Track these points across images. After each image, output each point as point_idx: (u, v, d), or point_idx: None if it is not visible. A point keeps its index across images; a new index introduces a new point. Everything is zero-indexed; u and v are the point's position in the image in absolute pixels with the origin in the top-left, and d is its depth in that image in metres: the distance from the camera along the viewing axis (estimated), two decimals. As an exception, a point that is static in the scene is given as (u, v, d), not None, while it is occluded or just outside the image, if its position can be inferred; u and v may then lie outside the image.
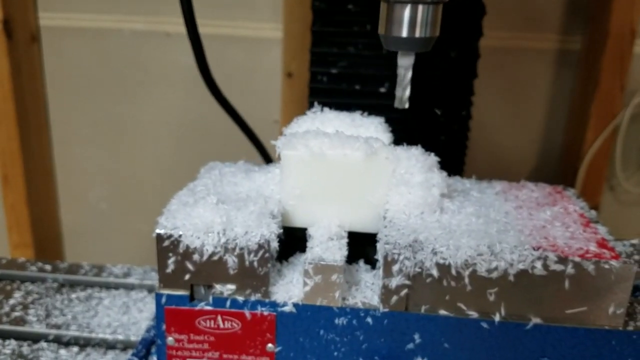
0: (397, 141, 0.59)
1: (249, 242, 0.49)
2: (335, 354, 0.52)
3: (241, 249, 0.49)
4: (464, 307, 0.49)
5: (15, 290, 0.74)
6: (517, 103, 1.06)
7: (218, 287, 0.51)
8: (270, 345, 0.51)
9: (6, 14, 0.99)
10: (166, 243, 0.49)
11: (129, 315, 0.70)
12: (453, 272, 0.48)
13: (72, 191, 1.19)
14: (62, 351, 0.62)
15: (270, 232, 0.49)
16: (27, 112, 1.10)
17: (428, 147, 0.56)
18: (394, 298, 0.50)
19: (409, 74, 0.57)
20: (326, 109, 0.61)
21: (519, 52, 1.02)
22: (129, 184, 1.16)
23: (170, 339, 0.52)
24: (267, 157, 0.82)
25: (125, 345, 0.64)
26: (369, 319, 0.50)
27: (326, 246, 0.51)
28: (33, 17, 1.08)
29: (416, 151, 0.55)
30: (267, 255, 0.49)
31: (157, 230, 0.49)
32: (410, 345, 0.51)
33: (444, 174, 0.56)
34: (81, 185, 1.18)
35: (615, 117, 0.98)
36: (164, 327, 0.51)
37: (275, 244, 0.50)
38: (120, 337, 0.64)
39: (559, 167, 1.09)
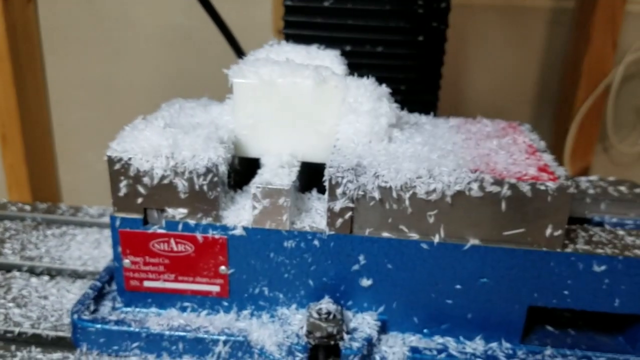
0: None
1: (197, 165, 0.50)
2: (286, 275, 0.54)
3: (190, 172, 0.51)
4: (405, 229, 0.51)
5: (-7, 228, 0.76)
6: (511, 62, 1.06)
7: (170, 211, 0.52)
8: (223, 267, 0.53)
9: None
10: (117, 166, 0.51)
11: (100, 249, 0.72)
12: (394, 194, 0.50)
13: (70, 152, 1.21)
14: (34, 279, 0.64)
15: (217, 155, 0.51)
16: (24, 72, 1.11)
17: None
18: (339, 221, 0.51)
19: None
20: (283, 42, 0.62)
21: (513, 10, 1.02)
22: None
23: (126, 262, 0.54)
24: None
25: (94, 276, 0.66)
26: (316, 242, 0.52)
27: (275, 172, 0.53)
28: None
29: (366, 81, 0.56)
30: (215, 179, 0.51)
31: (108, 153, 0.50)
32: (356, 267, 0.53)
33: (394, 105, 0.57)
34: (78, 146, 1.20)
35: (607, 76, 0.98)
36: (119, 249, 0.53)
37: (223, 168, 0.51)
38: (90, 268, 0.66)
39: (552, 127, 1.09)
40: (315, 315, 0.51)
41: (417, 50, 0.74)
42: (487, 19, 1.02)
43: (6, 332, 0.56)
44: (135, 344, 0.53)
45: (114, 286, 0.58)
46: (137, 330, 0.52)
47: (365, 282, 0.53)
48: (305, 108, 0.55)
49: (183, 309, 0.55)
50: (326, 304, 0.52)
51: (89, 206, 0.82)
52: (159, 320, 0.54)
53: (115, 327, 0.53)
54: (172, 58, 1.12)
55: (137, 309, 0.56)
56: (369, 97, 0.55)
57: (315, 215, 0.54)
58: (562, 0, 1.02)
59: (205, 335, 0.52)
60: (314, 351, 0.51)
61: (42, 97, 1.17)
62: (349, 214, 0.51)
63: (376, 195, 0.50)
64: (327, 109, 0.55)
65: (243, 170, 0.58)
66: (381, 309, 0.54)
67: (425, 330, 0.54)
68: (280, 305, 0.55)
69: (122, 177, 0.51)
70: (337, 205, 0.51)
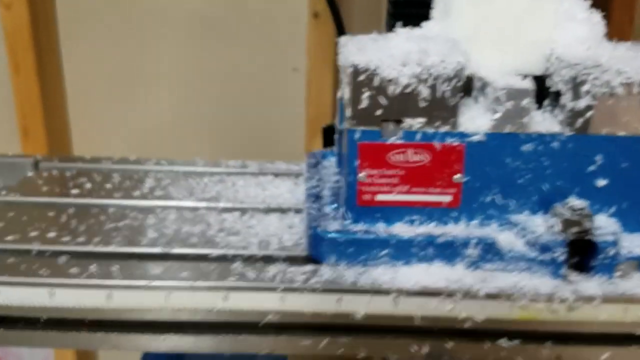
0: None
1: (445, 70, 0.50)
2: (520, 181, 0.54)
3: (435, 78, 0.51)
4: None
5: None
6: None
7: (408, 121, 0.52)
8: (457, 175, 0.54)
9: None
10: (362, 77, 0.51)
11: (269, 191, 0.71)
12: (635, 89, 0.51)
13: (89, 146, 1.19)
14: (225, 214, 0.64)
15: (465, 59, 0.51)
16: (44, 63, 1.09)
17: None
18: (579, 121, 0.52)
19: None
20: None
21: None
22: (145, 137, 1.16)
23: (361, 175, 0.54)
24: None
25: (283, 212, 0.65)
26: (555, 144, 0.53)
27: (509, 77, 0.53)
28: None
29: (579, -12, 0.57)
30: (459, 84, 0.51)
31: (354, 63, 0.50)
32: (592, 167, 0.53)
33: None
34: (98, 139, 1.17)
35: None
36: (356, 163, 0.53)
37: (467, 73, 0.51)
38: (273, 205, 0.66)
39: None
40: (566, 212, 0.52)
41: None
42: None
43: (234, 256, 0.55)
44: (384, 252, 0.53)
45: (324, 209, 0.58)
46: (386, 237, 0.53)
47: (601, 183, 0.54)
48: (521, 18, 0.55)
49: (411, 222, 0.56)
50: (573, 202, 0.53)
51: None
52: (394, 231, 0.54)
53: (364, 236, 0.53)
54: (196, 47, 1.11)
55: (366, 225, 0.55)
56: (582, 6, 0.55)
57: (543, 121, 0.54)
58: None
59: (455, 239, 0.52)
60: (572, 246, 0.51)
61: (61, 89, 1.15)
62: (590, 112, 0.52)
63: (619, 91, 0.51)
64: (542, 18, 0.55)
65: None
66: (613, 209, 0.55)
67: (654, 229, 0.55)
68: (510, 213, 0.55)
69: (365, 89, 0.51)
70: (580, 104, 0.51)
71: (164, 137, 1.17)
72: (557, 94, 0.54)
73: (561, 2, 0.55)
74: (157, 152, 1.13)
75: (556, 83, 0.54)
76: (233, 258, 0.55)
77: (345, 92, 0.54)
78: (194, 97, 1.16)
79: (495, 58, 0.56)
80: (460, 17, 0.55)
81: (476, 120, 0.53)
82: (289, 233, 0.59)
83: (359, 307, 0.52)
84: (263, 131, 1.21)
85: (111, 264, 0.52)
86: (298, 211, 0.64)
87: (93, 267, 0.51)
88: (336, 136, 0.66)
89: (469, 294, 0.51)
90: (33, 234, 0.56)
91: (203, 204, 0.64)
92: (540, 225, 0.54)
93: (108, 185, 0.67)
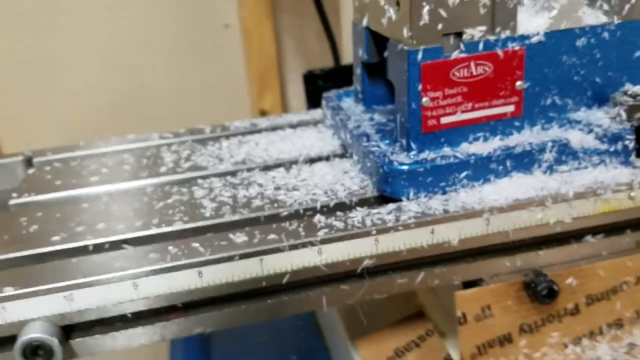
0: None
1: (503, -29, 0.48)
2: (575, 78, 0.54)
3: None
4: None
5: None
6: None
7: (469, 32, 0.50)
8: (519, 82, 0.52)
9: None
10: (423, -7, 0.48)
11: (295, 146, 0.65)
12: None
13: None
14: (271, 173, 0.59)
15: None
16: None
17: None
18: (627, 7, 0.52)
19: None
20: None
21: None
22: (82, 123, 1.07)
23: (425, 99, 0.51)
24: None
25: (324, 158, 0.61)
26: (605, 34, 0.53)
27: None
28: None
29: None
30: (515, -15, 0.49)
31: (413, -21, 0.47)
32: (638, 53, 0.54)
33: None
34: (27, 134, 1.07)
35: None
36: (419, 87, 0.50)
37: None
38: (312, 154, 0.61)
39: None
40: (627, 99, 0.52)
41: None
42: None
43: (305, 210, 0.51)
44: (463, 174, 0.51)
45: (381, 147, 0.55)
46: (464, 159, 0.51)
47: (648, 66, 0.54)
48: None
49: (476, 140, 0.54)
50: (631, 89, 0.53)
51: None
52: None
53: (442, 162, 0.50)
54: (117, 18, 1.03)
55: (433, 152, 0.53)
56: None
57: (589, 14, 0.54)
58: None
59: (532, 147, 0.51)
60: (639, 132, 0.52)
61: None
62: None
63: (663, -28, 0.51)
64: None
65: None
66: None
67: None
68: (569, 112, 0.55)
69: (424, 3, 0.48)
70: (627, -10, 0.51)
71: (102, 119, 1.08)
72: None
73: None
74: (99, 135, 1.05)
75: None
76: (311, 212, 0.50)
77: (391, 15, 0.50)
78: (125, 71, 1.07)
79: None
80: None
81: (533, 21, 0.52)
82: (348, 177, 0.56)
83: (453, 234, 0.49)
84: (206, 94, 1.14)
85: (189, 241, 0.46)
86: (341, 156, 0.60)
87: (172, 248, 0.45)
88: (358, 73, 0.63)
89: (557, 199, 0.50)
90: (79, 229, 0.48)
91: (243, 167, 0.58)
92: (603, 117, 0.53)
93: (126, 167, 0.59)
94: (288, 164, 0.59)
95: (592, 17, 0.53)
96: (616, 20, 0.52)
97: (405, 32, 0.49)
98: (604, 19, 0.53)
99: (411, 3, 0.48)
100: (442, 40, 0.50)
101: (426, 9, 0.48)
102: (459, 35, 0.50)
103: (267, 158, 0.61)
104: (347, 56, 0.94)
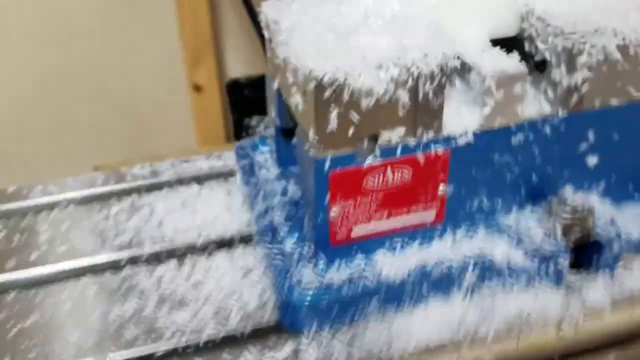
0: None
1: (428, 66, 0.39)
2: (508, 176, 0.46)
3: (416, 78, 0.39)
4: (634, 91, 0.45)
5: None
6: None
7: (386, 135, 0.41)
8: (442, 187, 0.44)
9: None
10: (327, 93, 0.38)
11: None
12: (631, 52, 0.43)
13: None
14: (159, 268, 0.48)
15: (449, 50, 0.39)
16: None
17: None
18: (574, 97, 0.44)
19: None
20: None
21: None
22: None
23: (334, 211, 0.42)
24: None
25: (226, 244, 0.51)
26: (547, 129, 0.44)
27: (491, 55, 0.43)
28: None
29: None
30: (444, 80, 0.40)
31: (315, 75, 0.37)
32: (583, 145, 0.46)
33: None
34: None
35: None
36: (326, 198, 0.41)
37: (452, 64, 0.40)
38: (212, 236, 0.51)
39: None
40: (564, 212, 0.45)
41: None
42: None
43: (185, 348, 0.42)
44: (373, 302, 0.43)
45: (285, 246, 0.46)
46: (374, 287, 0.43)
47: (591, 161, 0.47)
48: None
49: (393, 250, 0.45)
50: (570, 196, 0.46)
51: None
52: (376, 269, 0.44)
53: (350, 291, 0.42)
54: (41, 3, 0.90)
55: (344, 264, 0.44)
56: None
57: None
58: None
59: (450, 268, 0.44)
60: (576, 252, 0.45)
61: None
62: (585, 86, 0.43)
63: (617, 56, 0.43)
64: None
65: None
66: (602, 184, 0.49)
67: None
68: (498, 215, 0.47)
69: (332, 106, 0.38)
70: (576, 79, 0.43)
71: (29, 95, 0.95)
72: (543, 63, 0.44)
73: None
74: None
75: (542, 51, 0.44)
76: (192, 349, 0.41)
77: (298, 103, 0.40)
78: (53, 46, 0.94)
79: (466, 26, 0.45)
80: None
81: (461, 118, 0.43)
82: (248, 286, 0.46)
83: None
84: (138, 72, 1.02)
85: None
86: (247, 241, 0.50)
87: None
88: (272, 132, 0.52)
89: (475, 341, 0.43)
90: None
91: (125, 254, 0.48)
92: (535, 228, 0.46)
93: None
94: (181, 254, 0.49)
95: (533, 108, 0.44)
96: (561, 113, 0.44)
97: (311, 135, 0.39)
98: (546, 109, 0.44)
99: (316, 106, 0.38)
100: (354, 144, 0.40)
101: (334, 113, 0.38)
102: (374, 138, 0.41)
103: (159, 239, 0.50)
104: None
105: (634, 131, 0.47)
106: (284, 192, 0.51)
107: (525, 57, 0.44)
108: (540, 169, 0.46)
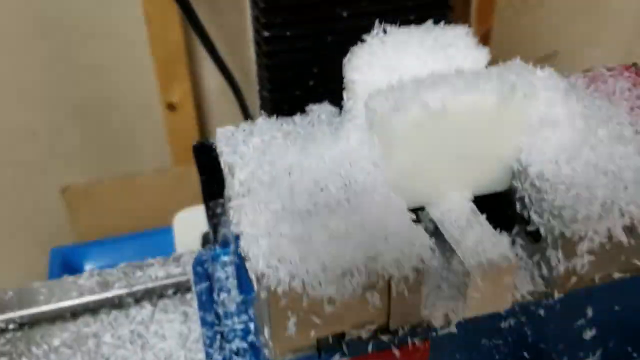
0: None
1: (400, 268, 0.34)
2: (497, 357, 0.41)
3: (388, 279, 0.34)
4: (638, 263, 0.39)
5: None
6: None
7: (353, 332, 0.36)
8: (419, 380, 0.39)
9: None
10: (283, 302, 0.33)
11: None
12: (639, 230, 0.38)
13: None
14: None
15: (424, 245, 0.34)
16: None
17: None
18: (573, 279, 0.38)
19: None
20: (392, 29, 0.43)
21: None
22: None
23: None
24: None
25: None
26: (541, 311, 0.39)
27: (475, 236, 0.37)
28: None
29: (544, 73, 0.40)
30: (420, 277, 0.35)
31: (270, 286, 0.32)
32: (581, 321, 0.41)
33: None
34: None
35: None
36: (286, 399, 0.36)
37: (430, 254, 0.35)
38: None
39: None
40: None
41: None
42: None
43: None
44: None
45: None
46: None
47: (589, 334, 0.42)
48: (484, 133, 0.39)
49: None
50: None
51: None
52: None
53: None
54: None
55: None
56: (560, 98, 0.40)
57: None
58: None
59: None
60: None
61: None
62: (586, 268, 0.38)
63: (624, 239, 0.37)
64: (511, 127, 0.39)
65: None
66: (598, 353, 0.44)
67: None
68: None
69: (289, 313, 0.33)
70: (577, 263, 0.38)
71: None
72: (537, 232, 0.39)
73: (536, 99, 0.39)
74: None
75: (536, 224, 0.39)
76: None
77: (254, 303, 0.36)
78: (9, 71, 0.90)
79: (444, 186, 0.40)
80: (400, 146, 0.38)
81: (442, 306, 0.38)
82: None
83: None
84: (106, 85, 0.97)
85: None
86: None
87: None
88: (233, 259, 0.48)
89: None
90: None
91: None
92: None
93: None
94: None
95: (525, 287, 0.39)
96: (557, 294, 0.39)
97: (267, 336, 0.35)
98: (540, 287, 0.39)
99: (271, 313, 0.33)
100: (317, 344, 0.35)
101: (293, 319, 0.34)
102: (340, 336, 0.36)
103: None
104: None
105: (636, 299, 0.42)
106: (244, 329, 0.47)
107: (515, 218, 0.39)
108: (532, 347, 0.41)
